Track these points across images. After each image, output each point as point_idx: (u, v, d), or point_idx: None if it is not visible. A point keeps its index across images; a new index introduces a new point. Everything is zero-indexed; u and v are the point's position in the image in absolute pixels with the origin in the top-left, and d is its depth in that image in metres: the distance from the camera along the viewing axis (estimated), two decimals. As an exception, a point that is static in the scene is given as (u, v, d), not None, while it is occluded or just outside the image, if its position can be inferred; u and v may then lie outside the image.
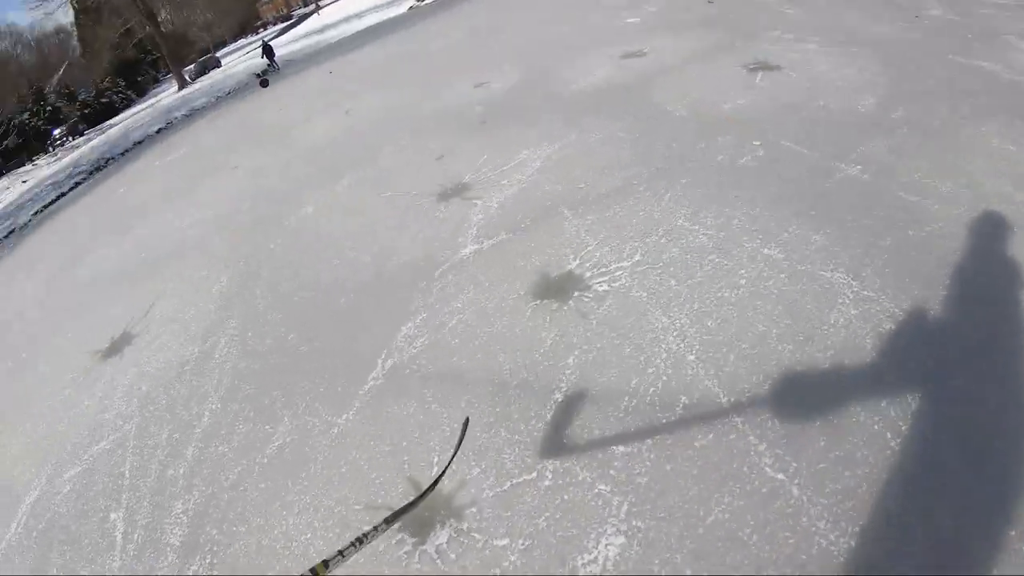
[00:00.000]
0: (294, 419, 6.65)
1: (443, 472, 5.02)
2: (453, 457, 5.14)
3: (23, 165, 57.73)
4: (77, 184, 36.88)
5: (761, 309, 5.89)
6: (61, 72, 72.36)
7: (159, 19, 65.39)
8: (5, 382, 10.99)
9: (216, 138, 26.09)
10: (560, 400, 5.72)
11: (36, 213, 33.94)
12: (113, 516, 6.33)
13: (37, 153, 60.77)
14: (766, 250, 6.60)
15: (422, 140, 13.90)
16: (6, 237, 31.53)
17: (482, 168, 11.18)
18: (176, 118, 42.45)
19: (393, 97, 19.05)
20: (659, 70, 13.10)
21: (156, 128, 41.96)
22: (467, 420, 5.42)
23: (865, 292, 5.75)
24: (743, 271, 6.41)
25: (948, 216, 6.46)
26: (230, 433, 6.69)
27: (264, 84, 37.54)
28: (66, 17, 77.78)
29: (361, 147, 15.27)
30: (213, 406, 7.37)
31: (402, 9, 50.17)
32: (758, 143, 8.86)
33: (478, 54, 20.64)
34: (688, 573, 4.13)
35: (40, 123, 62.66)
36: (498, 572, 4.53)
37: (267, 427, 6.68)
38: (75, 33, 75.40)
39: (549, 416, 5.62)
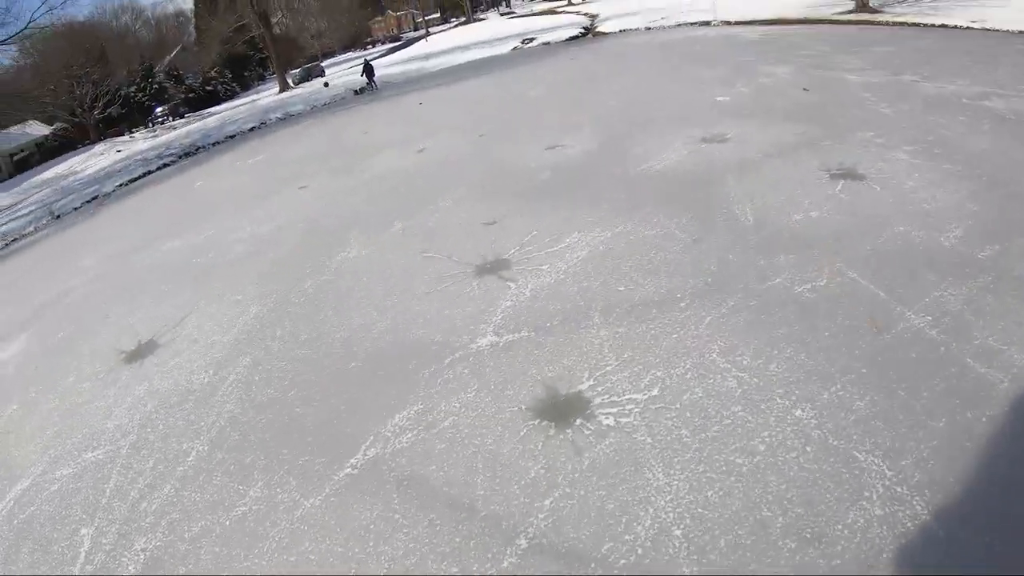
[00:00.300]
0: (266, 487, 6.42)
1: None
2: None
3: (122, 135, 59.71)
4: (164, 166, 38.12)
5: (773, 488, 5.10)
6: (173, 54, 75.06)
7: (272, 21, 67.33)
8: (40, 356, 11.82)
9: (297, 151, 26.40)
10: (523, 547, 5.10)
11: (121, 185, 35.47)
12: (83, 531, 6.51)
13: (137, 126, 62.76)
14: (798, 411, 5.80)
15: (481, 197, 13.54)
16: (88, 202, 33.36)
17: (528, 245, 10.65)
18: (271, 120, 43.36)
19: (468, 143, 18.81)
20: (736, 162, 12.38)
21: (250, 126, 42.98)
22: None
23: (898, 488, 4.87)
24: (765, 433, 5.63)
25: (1018, 398, 5.50)
26: (206, 483, 6.67)
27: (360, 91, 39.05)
28: (187, 3, 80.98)
29: (421, 191, 15.06)
30: (201, 448, 7.34)
31: (506, 49, 50.45)
32: (824, 275, 8.10)
33: (564, 110, 20.24)
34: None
35: (145, 99, 64.82)
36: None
37: (240, 487, 6.50)
38: (193, 20, 78.20)
39: (505, 563, 5.02)
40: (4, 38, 40.13)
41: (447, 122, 22.97)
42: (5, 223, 35.52)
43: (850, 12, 34.46)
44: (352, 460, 6.46)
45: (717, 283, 8.14)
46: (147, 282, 13.90)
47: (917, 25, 29.19)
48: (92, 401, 9.24)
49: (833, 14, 35.14)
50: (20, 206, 41.36)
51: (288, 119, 41.79)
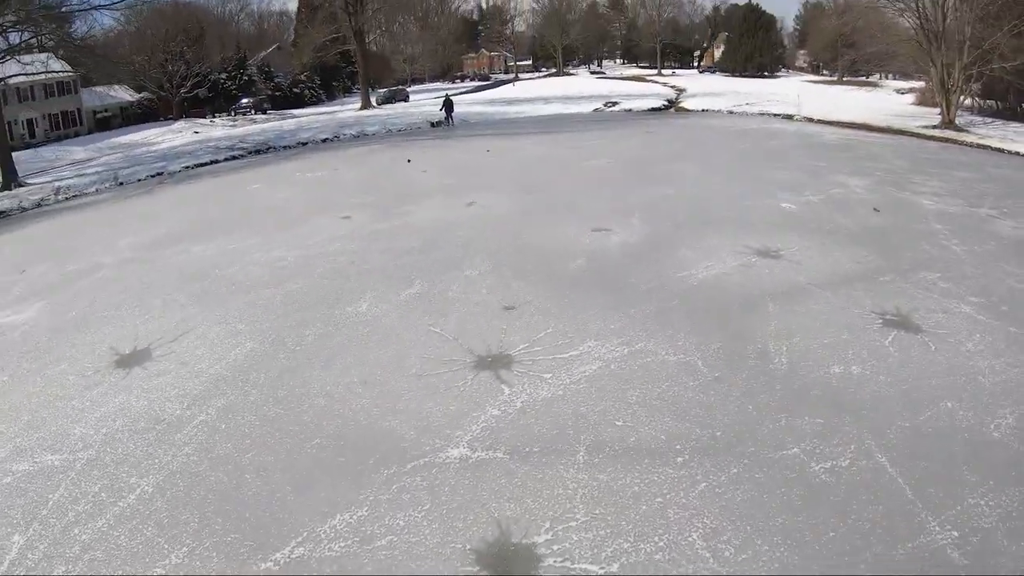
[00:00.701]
0: (188, 556, 5.96)
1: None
2: None
3: (203, 118, 60.77)
4: (232, 158, 38.49)
5: None
6: (268, 51, 76.40)
7: (367, 39, 68.25)
8: (45, 331, 11.88)
9: (355, 175, 26.23)
10: None
11: (187, 167, 36.01)
12: (16, 538, 6.37)
13: (220, 112, 63.75)
14: (775, 640, 4.89)
15: (510, 274, 12.77)
16: (153, 176, 34.11)
17: (538, 344, 9.78)
18: (344, 135, 43.63)
19: (516, 205, 18.16)
20: (784, 286, 11.47)
21: (323, 137, 43.38)
22: None
23: None
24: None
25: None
26: (137, 529, 6.36)
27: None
28: (292, 4, 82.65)
29: (453, 251, 14.39)
30: (146, 488, 6.96)
31: (588, 108, 50.18)
32: (848, 454, 7.11)
33: (622, 189, 19.57)
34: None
35: (233, 88, 65.87)
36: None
37: (165, 546, 6.08)
38: (294, 22, 79.71)
39: None
40: (111, 1, 40.97)
41: (505, 177, 22.45)
42: (71, 177, 36.53)
43: (935, 127, 33.43)
44: (276, 555, 5.86)
45: (726, 439, 7.20)
46: (166, 283, 13.80)
47: (1001, 151, 28.09)
48: (71, 398, 9.14)
49: (918, 127, 34.18)
50: (90, 163, 42.63)
51: (361, 138, 41.95)
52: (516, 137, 35.03)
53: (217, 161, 37.22)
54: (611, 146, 28.96)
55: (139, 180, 32.96)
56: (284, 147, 40.78)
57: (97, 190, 31.79)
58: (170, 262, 15.39)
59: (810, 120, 38.86)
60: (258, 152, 39.76)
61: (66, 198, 30.61)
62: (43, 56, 40.37)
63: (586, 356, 9.23)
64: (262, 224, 18.35)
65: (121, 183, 32.63)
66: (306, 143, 41.48)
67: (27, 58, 39.42)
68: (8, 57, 37.13)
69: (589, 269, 12.73)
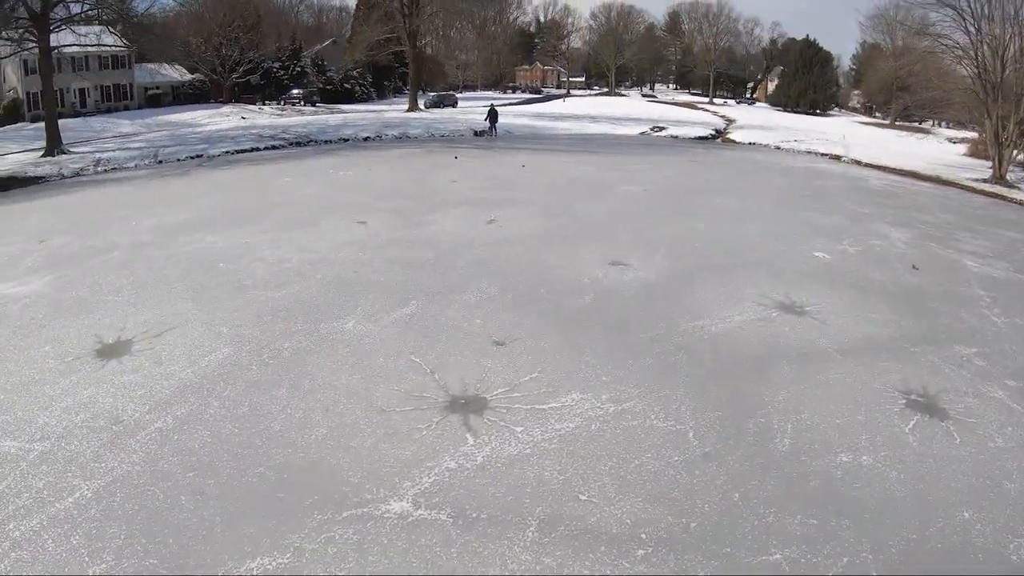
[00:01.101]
0: None
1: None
2: None
3: (252, 104, 60.86)
4: (273, 147, 38.14)
5: None
6: (323, 45, 76.44)
7: (420, 42, 68.01)
8: (43, 307, 11.75)
9: (386, 178, 25.65)
10: None
11: (227, 153, 35.81)
12: None
13: (269, 100, 63.80)
14: None
15: (510, 304, 11.98)
16: (192, 158, 33.93)
17: (519, 389, 8.94)
18: (387, 135, 43.15)
19: (538, 227, 17.38)
20: (803, 349, 10.46)
21: (366, 135, 42.90)
22: None
23: None
24: None
25: None
26: (64, 537, 6.06)
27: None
28: (351, 0, 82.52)
29: (460, 272, 13.68)
30: (84, 492, 6.70)
31: (635, 131, 49.28)
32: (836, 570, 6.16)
33: (652, 219, 18.72)
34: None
35: (285, 77, 65.90)
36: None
37: (84, 560, 5.80)
38: (352, 19, 79.68)
39: None
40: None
41: (535, 195, 21.65)
42: (114, 150, 36.54)
43: (985, 181, 32.03)
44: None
45: (700, 534, 6.27)
46: (170, 273, 13.50)
47: (1054, 212, 26.74)
48: (44, 383, 8.98)
49: (967, 179, 32.77)
50: (135, 138, 42.70)
51: (403, 140, 41.51)
52: (556, 154, 34.26)
53: (258, 149, 37.01)
54: (650, 172, 28.02)
55: (178, 160, 32.97)
56: (325, 141, 40.30)
57: (136, 166, 31.86)
58: (182, 251, 15.09)
59: (858, 163, 37.55)
60: (299, 144, 39.36)
61: (104, 170, 30.76)
62: (97, 29, 40.38)
63: (567, 410, 8.37)
64: (280, 220, 17.95)
65: (160, 161, 32.68)
66: (348, 139, 41.11)
67: (83, 29, 39.46)
68: (64, 26, 37.13)
69: (596, 307, 11.86)
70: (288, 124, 48.22)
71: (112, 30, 39.06)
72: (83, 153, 35.16)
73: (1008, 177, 32.82)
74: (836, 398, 8.97)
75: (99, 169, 31.16)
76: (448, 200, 20.64)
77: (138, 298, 12.05)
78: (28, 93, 48.65)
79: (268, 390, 8.76)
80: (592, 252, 14.96)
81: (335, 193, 22.20)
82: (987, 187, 31.54)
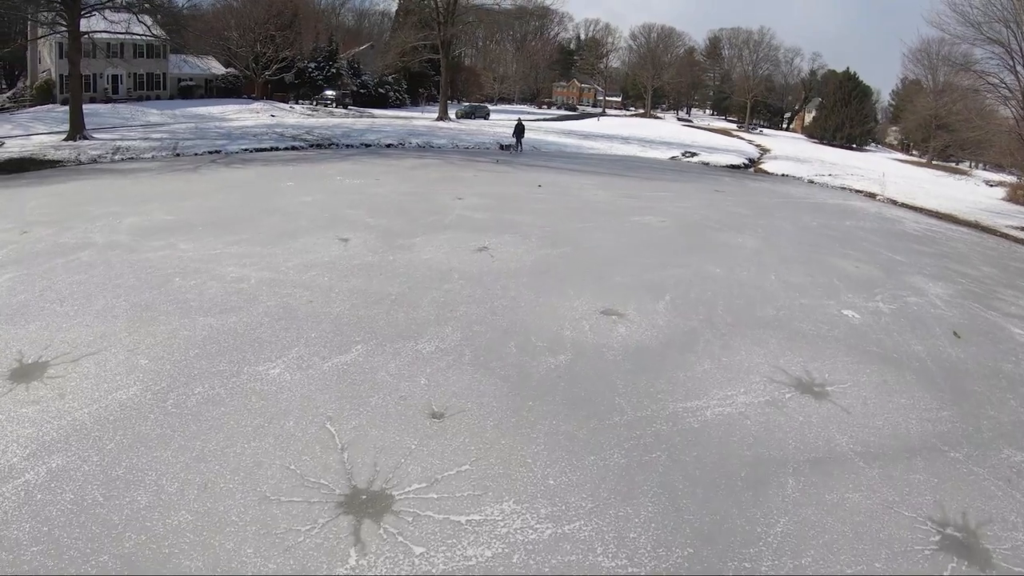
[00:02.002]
0: None
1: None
2: None
3: (285, 102, 59.60)
4: (292, 148, 36.96)
5: None
6: (360, 48, 74.93)
7: (455, 52, 66.28)
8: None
9: (389, 191, 23.66)
10: None
11: (245, 151, 34.66)
12: None
13: (303, 100, 62.59)
14: None
15: (468, 360, 9.87)
16: (210, 153, 33.03)
17: (438, 488, 6.79)
18: (409, 143, 41.81)
19: (527, 263, 15.16)
20: (816, 450, 8.25)
21: (388, 142, 41.66)
22: None
23: None
24: None
25: None
26: None
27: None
28: (393, 6, 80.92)
29: (423, 311, 11.64)
30: None
31: (665, 156, 47.19)
32: None
33: (663, 259, 16.51)
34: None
35: (319, 78, 64.60)
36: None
37: None
38: (391, 25, 78.08)
39: None
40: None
41: (540, 220, 19.54)
42: (135, 139, 35.90)
43: (1025, 229, 29.68)
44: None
45: None
46: (123, 284, 12.23)
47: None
48: None
49: (1007, 226, 30.36)
50: (160, 128, 41.92)
51: (425, 149, 39.94)
52: (577, 175, 32.13)
53: (277, 149, 35.88)
54: (672, 202, 25.78)
55: (196, 154, 32.16)
56: (347, 145, 39.09)
57: (153, 156, 31.19)
58: (147, 257, 13.88)
59: (893, 202, 35.11)
60: (319, 146, 38.14)
61: (122, 159, 30.16)
62: (127, 17, 39.37)
63: (489, 528, 6.20)
64: (262, 230, 16.43)
65: (178, 154, 31.93)
66: (370, 145, 39.76)
67: (116, 16, 38.53)
68: (94, 12, 36.54)
69: (570, 372, 9.65)
70: (314, 125, 46.86)
71: (141, 19, 37.99)
72: (105, 140, 34.73)
73: (1049, 223, 30.47)
74: (851, 533, 6.71)
75: (116, 157, 30.50)
76: (444, 220, 18.67)
77: (78, 311, 10.84)
78: (61, 76, 47.92)
79: (154, 448, 7.05)
80: (585, 295, 12.81)
81: (332, 203, 20.44)
82: (1030, 237, 29.20)
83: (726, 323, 12.07)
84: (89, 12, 35.82)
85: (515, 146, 41.26)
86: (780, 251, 18.60)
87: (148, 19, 39.25)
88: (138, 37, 42.27)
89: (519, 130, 41.40)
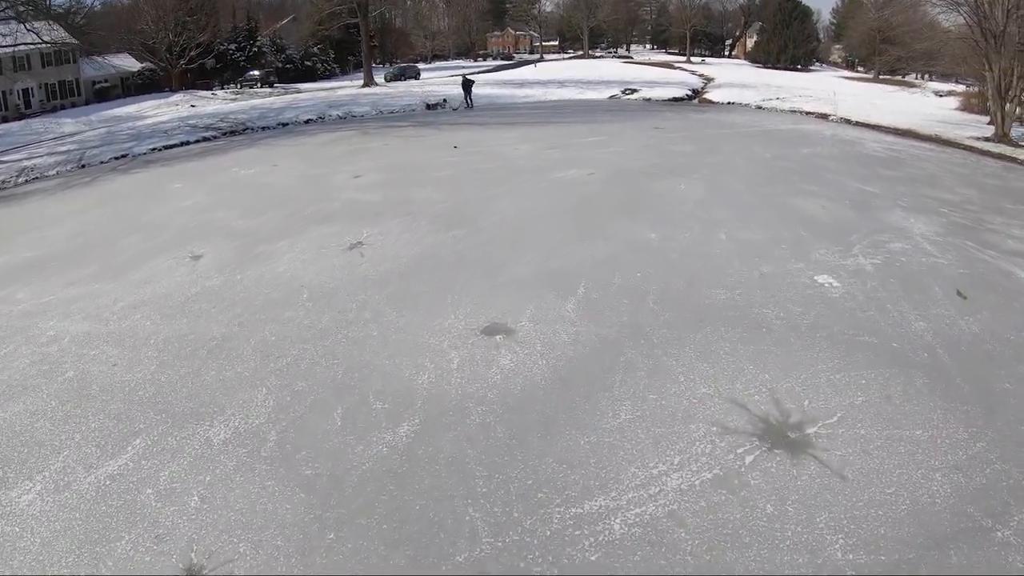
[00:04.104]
0: None
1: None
2: None
3: (209, 89, 54.77)
4: (204, 139, 32.85)
5: None
6: (284, 23, 69.28)
7: (377, 13, 61.25)
8: None
9: (283, 178, 19.91)
10: None
11: (153, 150, 30.76)
12: None
13: (228, 84, 57.73)
14: None
15: (255, 466, 6.37)
16: (117, 158, 29.09)
17: None
18: (330, 115, 37.79)
19: (405, 261, 11.52)
20: (794, 560, 4.84)
21: (307, 117, 37.70)
22: None
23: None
24: None
25: None
26: None
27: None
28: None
29: (236, 369, 8.15)
30: None
31: (604, 96, 43.18)
32: None
33: (581, 227, 12.84)
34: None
35: (242, 59, 59.49)
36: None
37: None
38: (310, -7, 71.95)
39: None
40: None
41: (441, 194, 15.86)
42: (42, 155, 32.14)
43: (987, 139, 26.38)
44: None
45: None
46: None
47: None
48: None
49: (968, 138, 27.08)
50: (71, 138, 37.65)
51: (345, 120, 35.78)
52: (503, 128, 28.09)
53: (188, 143, 31.79)
54: (605, 147, 21.88)
55: (101, 163, 28.37)
56: (263, 128, 34.95)
57: (57, 172, 27.47)
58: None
59: (848, 122, 31.51)
60: (233, 133, 33.99)
61: (26, 180, 26.60)
62: (16, 27, 34.80)
63: None
64: (113, 257, 13.28)
65: (83, 165, 28.20)
66: (287, 124, 35.58)
67: (8, 28, 33.93)
68: None
69: (410, 461, 6.01)
70: (231, 111, 42.42)
71: (30, 28, 33.54)
72: (10, 162, 30.63)
73: (1011, 136, 27.18)
74: None
75: (21, 180, 26.78)
76: (327, 209, 14.99)
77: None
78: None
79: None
80: (466, 304, 9.16)
81: (209, 205, 16.88)
82: (992, 147, 25.84)
83: (659, 324, 8.40)
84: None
85: (466, 102, 37.73)
86: (730, 197, 14.93)
87: (39, 25, 34.71)
88: (33, 46, 37.67)
89: (467, 86, 37.80)
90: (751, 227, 12.60)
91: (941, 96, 45.06)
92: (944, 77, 54.58)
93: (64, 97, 51.04)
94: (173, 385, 7.71)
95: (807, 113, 34.54)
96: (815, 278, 10.09)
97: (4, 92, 46.66)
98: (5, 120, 44.86)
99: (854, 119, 32.32)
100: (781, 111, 35.55)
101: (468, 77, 39.85)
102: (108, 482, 6.11)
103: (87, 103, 51.86)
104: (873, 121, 31.83)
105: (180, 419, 6.99)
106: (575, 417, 6.50)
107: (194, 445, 6.56)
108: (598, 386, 7.02)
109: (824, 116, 33.35)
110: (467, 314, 8.82)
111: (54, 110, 48.75)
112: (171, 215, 16.08)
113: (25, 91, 48.53)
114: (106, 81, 54.31)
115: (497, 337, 8.16)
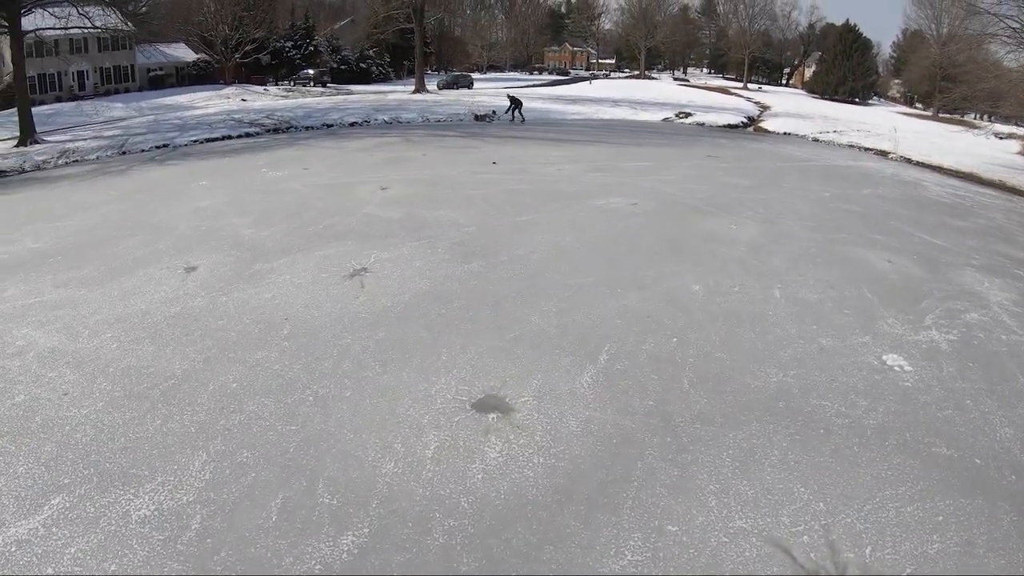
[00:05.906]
0: None
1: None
2: None
3: (262, 85, 54.29)
4: (246, 135, 32.03)
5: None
6: (342, 23, 68.54)
7: (434, 20, 60.10)
8: None
9: (309, 184, 18.50)
10: None
11: (195, 142, 30.01)
12: None
13: (282, 81, 57.18)
14: None
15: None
16: (159, 147, 28.63)
17: None
18: (375, 119, 36.73)
19: (407, 297, 10.03)
20: None
21: (352, 120, 36.75)
22: None
23: None
24: None
25: None
26: None
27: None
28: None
29: (183, 422, 6.75)
30: None
31: (658, 117, 41.37)
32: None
33: (616, 271, 11.23)
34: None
35: (297, 57, 58.97)
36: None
37: None
38: (371, -2, 71.21)
39: None
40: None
41: (462, 217, 14.35)
42: (86, 139, 31.86)
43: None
44: None
45: None
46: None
47: None
48: None
49: (1032, 182, 25.01)
50: (119, 123, 37.53)
51: (391, 125, 34.61)
52: (547, 145, 26.44)
53: (229, 137, 31.01)
54: (653, 173, 20.15)
55: (142, 151, 27.77)
56: (306, 127, 33.87)
57: (98, 157, 26.87)
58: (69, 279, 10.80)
59: (908, 161, 29.33)
60: (276, 131, 33.02)
61: (66, 163, 26.11)
62: (88, 9, 34.38)
63: None
64: (111, 259, 12.18)
65: (124, 152, 27.62)
66: (331, 125, 34.47)
67: (62, 11, 33.49)
68: (33, 10, 31.78)
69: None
70: (276, 108, 41.65)
71: (82, 12, 33.15)
72: (55, 143, 30.43)
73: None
74: None
75: (61, 162, 26.34)
76: (343, 224, 13.66)
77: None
78: (35, 76, 43.14)
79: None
80: (462, 363, 7.57)
81: (225, 209, 15.59)
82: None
83: (692, 415, 6.68)
84: (28, 10, 31.10)
85: (514, 118, 35.93)
86: (787, 243, 13.11)
87: (93, 11, 34.31)
88: (85, 30, 37.31)
89: (516, 104, 36.13)
90: (810, 283, 10.80)
91: (1002, 138, 42.43)
92: (1007, 119, 51.71)
93: (118, 82, 51.15)
94: (113, 431, 6.39)
95: (866, 149, 32.37)
96: (883, 358, 8.29)
97: (59, 73, 46.81)
98: (59, 100, 44.97)
99: (915, 158, 30.13)
100: (839, 145, 33.42)
101: (515, 97, 38.19)
102: (13, 548, 4.95)
103: (140, 89, 51.97)
104: (934, 162, 29.63)
105: (107, 479, 5.69)
106: (566, 551, 4.86)
107: (111, 519, 5.25)
108: (604, 504, 5.36)
109: (884, 153, 31.19)
110: (460, 378, 7.23)
111: (107, 94, 48.86)
112: (183, 217, 14.92)
113: (80, 73, 48.66)
114: (160, 69, 54.25)
115: (490, 416, 6.53)
